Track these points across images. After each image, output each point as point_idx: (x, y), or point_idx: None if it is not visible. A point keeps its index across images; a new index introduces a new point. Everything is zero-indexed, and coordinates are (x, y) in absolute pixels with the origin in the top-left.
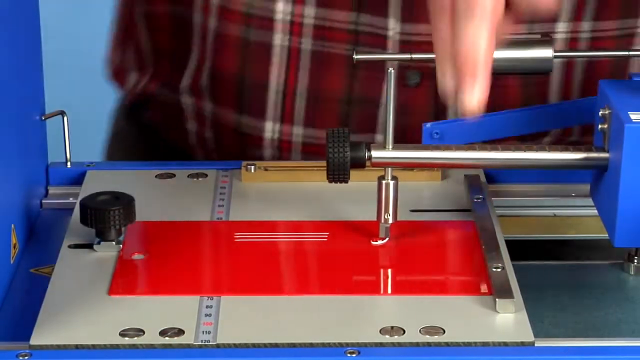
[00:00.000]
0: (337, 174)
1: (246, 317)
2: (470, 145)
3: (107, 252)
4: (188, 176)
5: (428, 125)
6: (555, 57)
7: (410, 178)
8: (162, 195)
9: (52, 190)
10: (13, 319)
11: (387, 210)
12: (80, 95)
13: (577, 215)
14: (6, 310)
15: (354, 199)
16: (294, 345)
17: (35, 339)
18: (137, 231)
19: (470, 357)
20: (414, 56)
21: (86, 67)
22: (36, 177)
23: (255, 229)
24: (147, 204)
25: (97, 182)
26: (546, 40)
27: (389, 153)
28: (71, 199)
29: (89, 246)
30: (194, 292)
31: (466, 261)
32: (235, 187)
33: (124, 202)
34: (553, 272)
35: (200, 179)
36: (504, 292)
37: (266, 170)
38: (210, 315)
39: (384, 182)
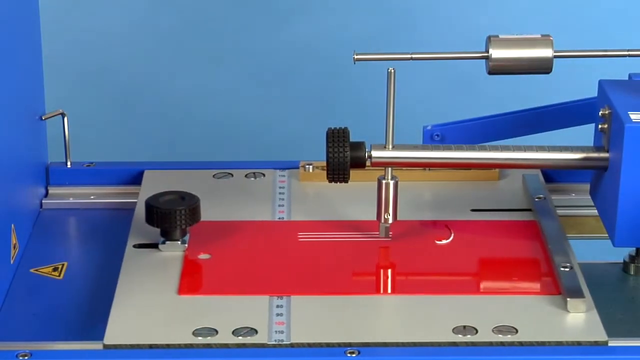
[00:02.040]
0: (337, 174)
1: (318, 317)
2: (470, 146)
3: (172, 251)
4: (245, 176)
5: (429, 127)
6: (555, 57)
7: (467, 177)
8: (221, 195)
9: (52, 190)
10: (13, 319)
11: (387, 210)
12: (80, 95)
13: None
14: (6, 310)
15: (411, 199)
16: (367, 344)
17: (109, 339)
18: (200, 231)
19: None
20: (414, 56)
21: (86, 67)
22: (36, 177)
23: (317, 228)
24: (208, 203)
25: (155, 182)
26: (546, 40)
27: (389, 153)
28: (71, 199)
29: (153, 246)
30: (263, 291)
31: (532, 261)
32: (294, 187)
33: (189, 202)
34: None
35: (257, 178)
36: (575, 291)
37: (324, 169)
38: (281, 314)
39: (384, 182)
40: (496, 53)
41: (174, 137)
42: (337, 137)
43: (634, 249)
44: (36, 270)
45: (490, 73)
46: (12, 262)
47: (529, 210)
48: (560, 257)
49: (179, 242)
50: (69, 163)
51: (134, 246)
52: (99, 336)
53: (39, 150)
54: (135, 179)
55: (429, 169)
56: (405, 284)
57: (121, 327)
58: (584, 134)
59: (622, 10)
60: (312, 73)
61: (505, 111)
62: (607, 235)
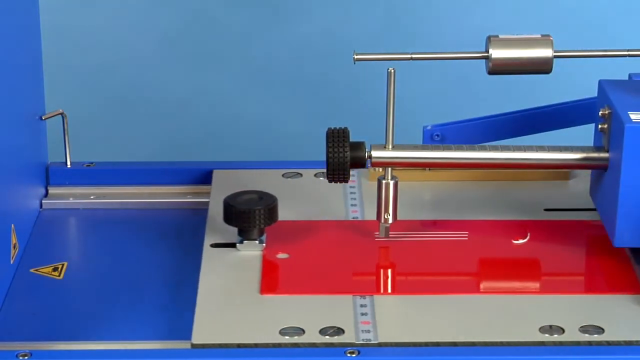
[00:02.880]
0: (337, 174)
1: (403, 316)
2: (470, 146)
3: (250, 251)
4: (315, 175)
5: (429, 127)
6: (555, 57)
7: (538, 177)
8: (293, 195)
9: (52, 190)
10: (13, 319)
11: (387, 210)
12: (80, 95)
13: None
14: (6, 310)
15: (486, 199)
16: (455, 344)
17: (197, 338)
18: (276, 230)
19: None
20: (414, 56)
21: (86, 67)
22: (36, 177)
23: (392, 228)
24: (280, 203)
25: (225, 182)
26: (546, 40)
27: (389, 153)
28: (71, 199)
29: (231, 245)
30: (345, 291)
31: (611, 260)
32: (364, 186)
33: (268, 202)
34: None
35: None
36: None
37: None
38: (366, 314)
39: (384, 182)
40: (496, 53)
41: (174, 137)
42: (337, 137)
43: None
44: (36, 270)
45: (490, 73)
46: (12, 262)
47: None
48: None
49: (257, 242)
50: (69, 163)
51: (211, 245)
52: (100, 336)
53: (39, 150)
54: (135, 179)
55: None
56: (485, 282)
57: (208, 327)
58: (584, 134)
59: (622, 10)
60: (312, 73)
61: (505, 111)
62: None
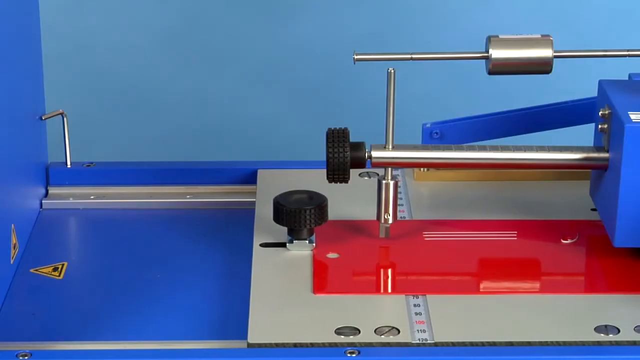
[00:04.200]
0: (337, 174)
1: (457, 316)
2: (470, 146)
3: (300, 250)
4: (359, 175)
5: (428, 124)
6: (555, 57)
7: (576, 178)
8: (339, 195)
9: (52, 190)
10: (13, 319)
11: (387, 211)
12: (80, 95)
13: None
14: (6, 310)
15: (530, 200)
16: (511, 343)
17: (253, 337)
18: (325, 230)
19: None
20: (414, 56)
21: (86, 67)
22: (36, 177)
23: (441, 227)
24: (329, 203)
25: (270, 181)
26: (546, 40)
27: (389, 153)
28: (71, 199)
29: (281, 245)
30: (397, 290)
31: None
32: (410, 186)
33: (318, 202)
34: None
35: (372, 177)
36: None
37: (437, 169)
38: (420, 314)
39: (384, 182)
40: (496, 53)
41: (174, 137)
42: (337, 138)
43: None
44: (36, 270)
45: (490, 73)
46: (12, 262)
47: None
48: None
49: (307, 242)
50: (69, 163)
51: (261, 245)
52: (98, 337)
53: (39, 150)
54: (135, 179)
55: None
56: (537, 282)
57: (263, 326)
58: (584, 133)
59: (622, 10)
60: (312, 73)
61: (505, 110)
62: None
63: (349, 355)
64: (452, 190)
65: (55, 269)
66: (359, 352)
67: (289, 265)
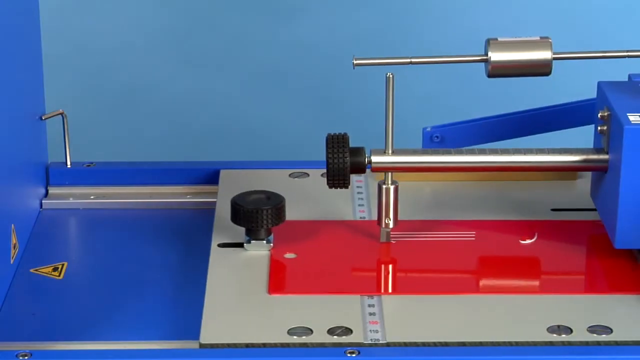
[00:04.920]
0: (337, 179)
1: (410, 316)
2: (470, 149)
3: (258, 251)
4: (322, 175)
5: (428, 128)
6: (554, 59)
7: (545, 178)
8: (300, 195)
9: (52, 190)
10: (13, 319)
11: (387, 215)
12: (80, 95)
13: None
14: (6, 310)
15: (493, 200)
16: (463, 344)
17: (205, 338)
18: (283, 230)
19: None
20: (414, 60)
21: (86, 67)
22: (36, 177)
23: (400, 228)
24: (287, 203)
25: (232, 182)
26: (545, 42)
27: (389, 158)
28: (71, 199)
29: (239, 245)
30: (352, 290)
31: (619, 259)
32: (372, 186)
33: (275, 202)
34: None
35: None
36: None
37: None
38: (374, 314)
39: (384, 186)
40: (495, 56)
41: (174, 137)
42: (336, 143)
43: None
44: (36, 270)
45: (490, 76)
46: (12, 262)
47: None
48: None
49: (265, 242)
50: (69, 163)
51: (219, 245)
52: (98, 337)
53: (39, 150)
54: (135, 179)
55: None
56: (492, 282)
57: (216, 327)
58: (584, 134)
59: (622, 11)
60: (312, 73)
61: (504, 112)
62: None
63: (349, 355)
64: (416, 190)
65: (55, 269)
66: (359, 352)
67: (245, 265)
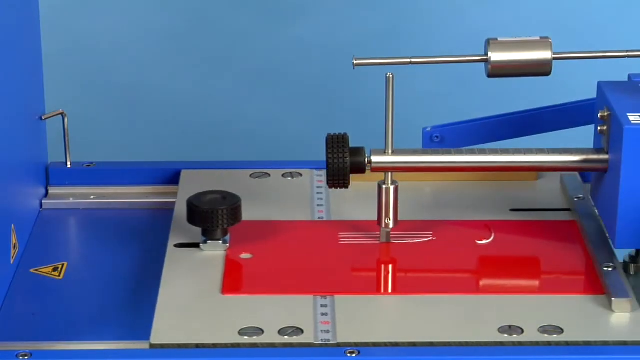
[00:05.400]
0: (337, 179)
1: (363, 316)
2: (469, 149)
3: (214, 251)
4: (282, 175)
5: (428, 128)
6: (554, 59)
7: (506, 178)
8: (260, 195)
9: (52, 190)
10: (13, 319)
11: (387, 215)
12: (80, 95)
13: None
14: (6, 310)
15: (451, 199)
16: (414, 344)
17: (155, 338)
18: (241, 230)
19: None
20: (414, 60)
21: (86, 67)
22: (36, 177)
23: (358, 228)
24: (247, 203)
25: (193, 182)
26: (545, 42)
27: (389, 158)
28: (71, 199)
29: (195, 245)
30: (306, 291)
31: (574, 260)
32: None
33: (231, 202)
34: None
35: (295, 178)
36: (620, 291)
37: None
38: (326, 314)
39: (384, 187)
40: (495, 56)
41: (174, 137)
42: (336, 143)
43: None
44: (36, 270)
45: (489, 76)
46: (12, 262)
47: (569, 210)
48: (603, 256)
49: (221, 242)
50: (69, 163)
51: (175, 245)
52: (99, 336)
53: (39, 150)
54: (135, 179)
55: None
56: (447, 283)
57: (167, 327)
58: (584, 134)
59: (622, 11)
60: (312, 73)
61: (504, 112)
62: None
63: (349, 355)
64: (374, 191)
65: (55, 269)
66: (359, 352)
67: (201, 265)
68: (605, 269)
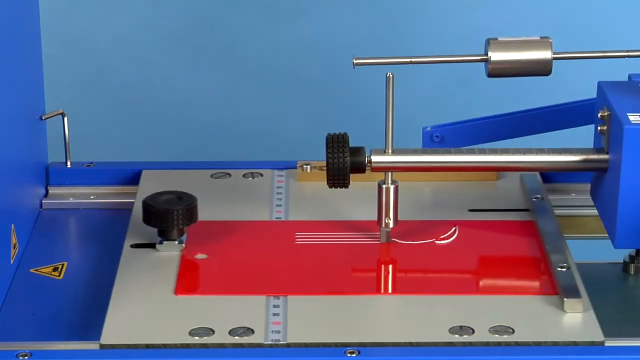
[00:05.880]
0: (337, 179)
1: (314, 317)
2: (470, 149)
3: (169, 251)
4: (243, 176)
5: (428, 128)
6: (555, 58)
7: (465, 178)
8: (219, 195)
9: (52, 190)
10: (13, 319)
11: (387, 215)
12: (80, 95)
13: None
14: (6, 310)
15: (410, 199)
16: (364, 344)
17: (106, 338)
18: (198, 231)
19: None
20: (414, 59)
21: (86, 67)
22: (36, 177)
23: (315, 229)
24: (205, 203)
25: (153, 182)
26: (545, 42)
27: (389, 157)
28: (71, 199)
29: (151, 246)
30: (259, 291)
31: (529, 260)
32: (292, 187)
33: (187, 202)
34: None
35: (255, 178)
36: (572, 291)
37: (322, 169)
38: (278, 314)
39: (384, 186)
40: (495, 56)
41: (174, 137)
42: (336, 143)
43: (634, 249)
44: (36, 270)
45: (489, 76)
46: (12, 262)
47: (527, 210)
48: (557, 256)
49: (176, 242)
50: (69, 163)
51: (131, 246)
52: (98, 336)
53: (39, 150)
54: (135, 179)
55: None
56: (403, 283)
57: (118, 327)
58: (584, 134)
59: (622, 11)
60: (312, 73)
61: (504, 112)
62: (607, 235)
63: (349, 355)
64: (334, 191)
65: (55, 269)
66: (359, 352)
67: (156, 266)
68: (559, 269)
